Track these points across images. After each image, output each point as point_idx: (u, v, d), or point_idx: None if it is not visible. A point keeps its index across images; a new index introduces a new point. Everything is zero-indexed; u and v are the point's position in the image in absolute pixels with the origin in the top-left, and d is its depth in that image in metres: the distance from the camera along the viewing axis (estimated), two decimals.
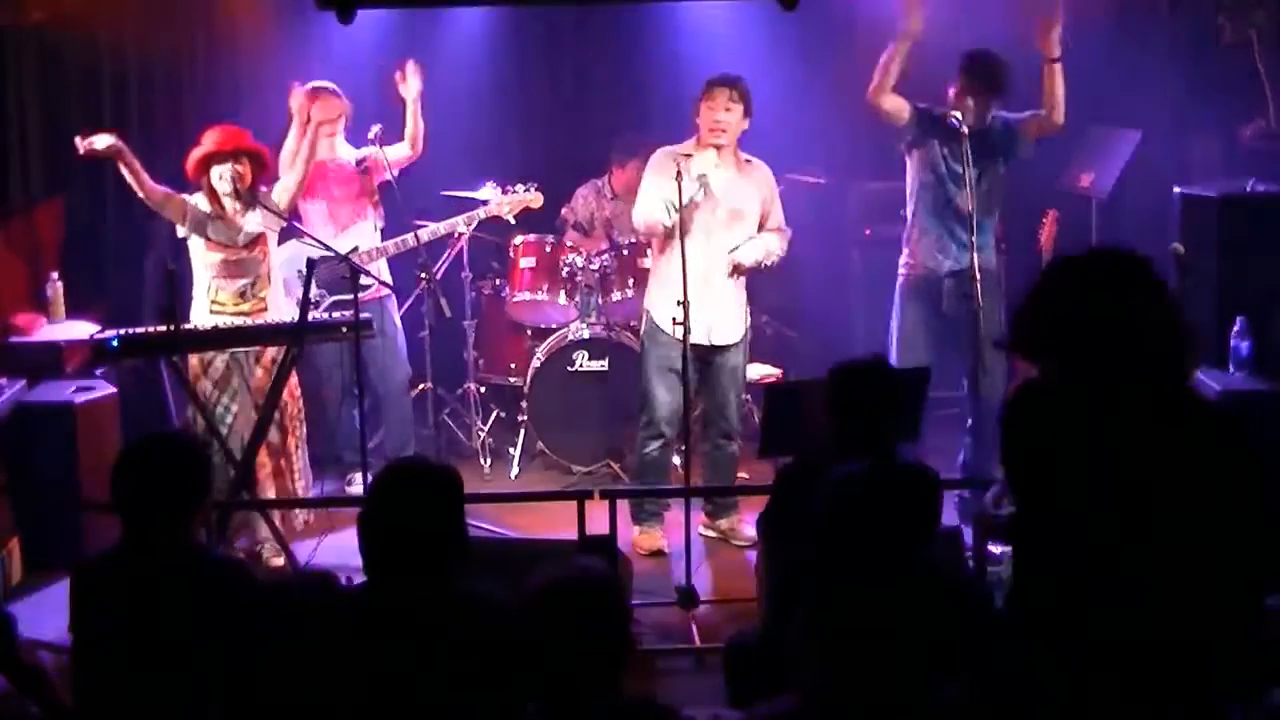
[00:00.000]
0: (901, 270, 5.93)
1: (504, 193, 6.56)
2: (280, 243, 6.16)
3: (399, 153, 6.44)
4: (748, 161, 5.76)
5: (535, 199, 6.62)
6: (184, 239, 5.63)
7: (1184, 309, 4.58)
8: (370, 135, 6.32)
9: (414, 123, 6.41)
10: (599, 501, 4.76)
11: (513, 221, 6.62)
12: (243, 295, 5.60)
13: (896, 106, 5.68)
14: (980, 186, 5.59)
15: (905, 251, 5.92)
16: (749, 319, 5.91)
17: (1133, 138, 6.76)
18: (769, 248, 5.74)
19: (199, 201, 5.57)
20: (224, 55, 7.15)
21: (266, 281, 5.69)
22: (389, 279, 6.37)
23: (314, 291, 6.17)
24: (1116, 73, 7.08)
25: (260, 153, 5.60)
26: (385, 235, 6.47)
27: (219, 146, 5.51)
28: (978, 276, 5.46)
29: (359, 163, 6.42)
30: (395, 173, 6.37)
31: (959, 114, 5.54)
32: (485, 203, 6.53)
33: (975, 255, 5.50)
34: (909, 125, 5.71)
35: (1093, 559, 2.61)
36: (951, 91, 5.69)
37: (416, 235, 6.32)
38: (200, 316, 5.56)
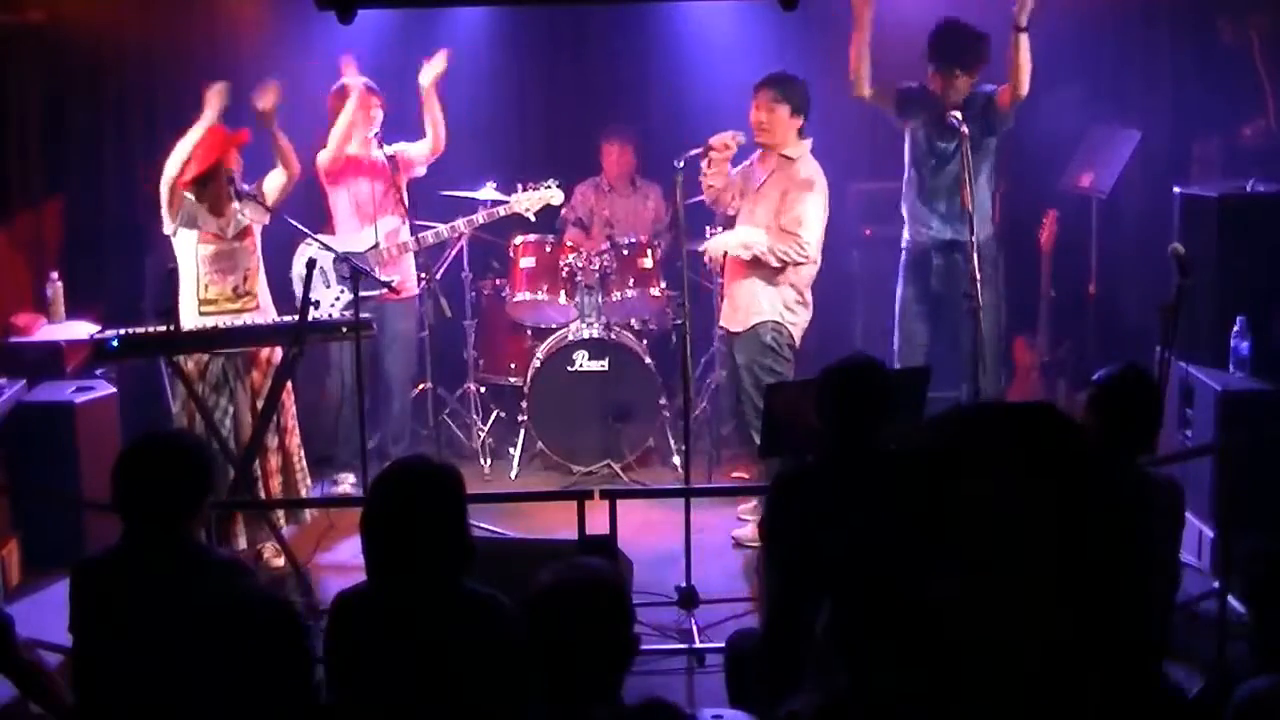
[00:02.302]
0: (902, 247, 6.13)
1: (524, 190, 6.57)
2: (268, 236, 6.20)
3: (421, 150, 6.50)
4: (785, 158, 5.80)
5: (557, 195, 6.64)
6: (170, 236, 5.56)
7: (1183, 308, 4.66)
8: (370, 134, 6.34)
9: (430, 114, 6.45)
10: (599, 501, 4.75)
11: (533, 219, 6.64)
12: (235, 291, 5.57)
13: (880, 95, 5.90)
14: (964, 163, 5.60)
15: (904, 228, 6.12)
16: (774, 316, 5.85)
17: (1133, 137, 6.76)
18: (735, 240, 5.81)
19: (189, 196, 5.53)
20: (224, 55, 7.14)
21: (256, 275, 5.67)
22: (414, 275, 6.47)
23: (336, 289, 6.21)
24: (1116, 72, 7.08)
25: (242, 139, 5.62)
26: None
27: (223, 149, 5.49)
28: (978, 276, 5.45)
29: (390, 159, 6.42)
30: (424, 169, 6.52)
31: (958, 114, 5.56)
32: (505, 201, 6.54)
33: (975, 254, 5.49)
34: (895, 108, 5.95)
35: None
36: (930, 73, 5.79)
37: (452, 227, 6.44)
38: (189, 319, 5.46)
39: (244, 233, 5.60)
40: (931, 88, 5.89)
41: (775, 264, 5.75)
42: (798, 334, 5.94)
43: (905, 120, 5.99)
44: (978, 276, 5.46)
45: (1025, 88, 5.68)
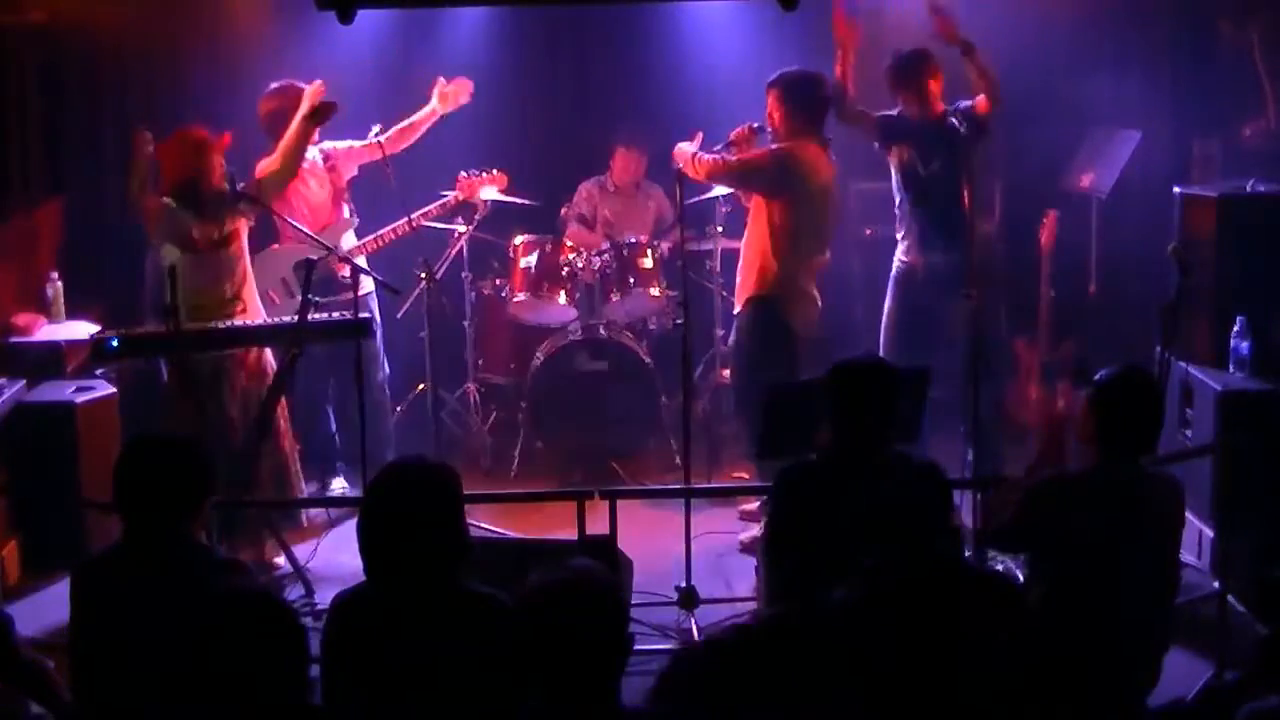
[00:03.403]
0: (896, 262, 6.07)
1: (469, 178, 6.55)
2: (276, 242, 6.17)
3: (359, 148, 6.40)
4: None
5: (499, 179, 6.63)
6: (158, 246, 5.52)
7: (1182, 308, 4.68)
8: (371, 134, 6.33)
9: (419, 127, 6.39)
10: (599, 501, 4.75)
11: (480, 207, 6.61)
12: (224, 297, 5.52)
13: (861, 123, 5.96)
14: (952, 179, 5.57)
15: (898, 248, 6.07)
16: (761, 291, 5.81)
17: (1133, 138, 6.76)
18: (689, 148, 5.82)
19: (171, 203, 5.47)
20: (224, 55, 7.15)
21: (245, 280, 5.64)
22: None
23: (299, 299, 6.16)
24: (1117, 73, 7.08)
25: (224, 143, 5.57)
26: (365, 231, 6.46)
27: (201, 155, 5.46)
28: (977, 275, 5.43)
29: (326, 160, 6.39)
30: (355, 169, 6.43)
31: (956, 117, 5.56)
32: (450, 194, 6.52)
33: (974, 254, 5.49)
34: (879, 135, 5.98)
35: None
36: (904, 100, 5.88)
37: (395, 230, 6.36)
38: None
39: (230, 238, 5.55)
40: (910, 114, 5.86)
41: (704, 163, 5.80)
42: (797, 320, 5.83)
43: (889, 145, 5.94)
44: (977, 274, 5.45)
45: (990, 103, 5.66)
